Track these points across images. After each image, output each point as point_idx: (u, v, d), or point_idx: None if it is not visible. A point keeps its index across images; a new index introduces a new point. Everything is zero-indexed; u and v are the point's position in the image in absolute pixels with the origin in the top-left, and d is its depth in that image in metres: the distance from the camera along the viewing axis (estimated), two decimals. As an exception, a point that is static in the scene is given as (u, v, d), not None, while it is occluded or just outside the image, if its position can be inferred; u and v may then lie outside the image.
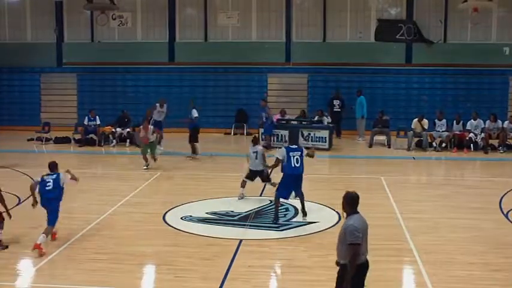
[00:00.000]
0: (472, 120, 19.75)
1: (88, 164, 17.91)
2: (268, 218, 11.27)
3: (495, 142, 19.69)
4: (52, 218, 9.53)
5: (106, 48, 24.86)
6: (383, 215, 11.45)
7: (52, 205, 9.55)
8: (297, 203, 11.85)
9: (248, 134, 23.32)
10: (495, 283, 8.16)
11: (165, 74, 24.79)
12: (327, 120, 21.11)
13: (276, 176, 11.66)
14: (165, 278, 8.40)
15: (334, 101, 22.49)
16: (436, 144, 19.80)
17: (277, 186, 11.47)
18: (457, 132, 19.75)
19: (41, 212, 9.92)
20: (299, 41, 24.10)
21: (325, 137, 19.39)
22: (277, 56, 24.04)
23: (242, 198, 12.61)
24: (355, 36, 23.97)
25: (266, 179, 12.73)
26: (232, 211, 11.73)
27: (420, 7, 23.52)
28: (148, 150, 16.11)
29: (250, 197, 12.70)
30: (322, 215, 11.34)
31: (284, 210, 11.62)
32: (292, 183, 11.00)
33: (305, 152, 11.23)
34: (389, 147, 20.19)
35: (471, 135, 19.52)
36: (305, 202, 11.21)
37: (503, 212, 11.78)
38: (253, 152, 12.57)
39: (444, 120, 20.05)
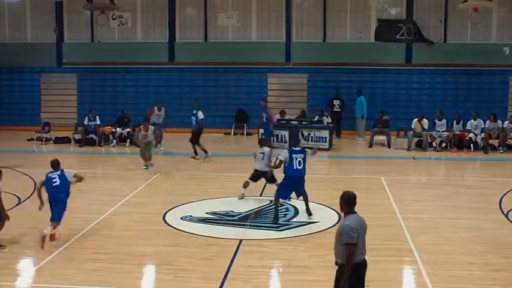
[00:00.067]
0: (472, 120, 19.75)
1: (88, 164, 17.90)
2: (268, 218, 11.27)
3: (495, 142, 19.69)
4: (58, 214, 9.61)
5: (106, 48, 24.86)
6: (383, 215, 11.45)
7: (61, 200, 9.65)
8: (297, 203, 11.88)
9: (248, 134, 23.37)
10: (495, 283, 8.16)
11: (165, 74, 24.79)
12: (327, 120, 21.11)
13: (280, 176, 11.64)
14: (165, 278, 8.40)
15: (334, 101, 22.50)
16: (436, 144, 19.80)
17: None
18: (457, 132, 19.75)
19: (41, 212, 9.93)
20: (299, 41, 24.10)
21: (325, 137, 19.39)
22: (277, 56, 24.04)
23: (242, 198, 12.61)
24: (355, 36, 23.97)
25: (271, 179, 12.62)
26: (232, 211, 11.73)
27: (420, 7, 23.53)
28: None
29: (250, 197, 12.69)
30: (322, 215, 11.34)
31: (284, 210, 11.62)
32: (292, 185, 11.03)
33: (309, 152, 11.26)
34: (389, 147, 20.19)
35: (471, 135, 19.52)
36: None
37: (503, 212, 11.78)
38: (261, 153, 12.52)
39: (444, 120, 20.04)
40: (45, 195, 9.86)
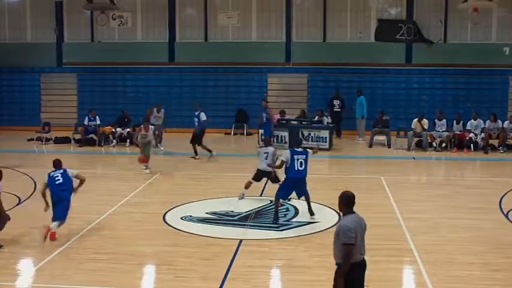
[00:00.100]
0: (472, 120, 19.75)
1: (88, 164, 17.90)
2: (268, 218, 11.27)
3: (495, 142, 19.69)
4: (63, 211, 9.69)
5: (106, 48, 24.86)
6: (383, 215, 11.46)
7: (64, 199, 9.74)
8: (297, 203, 11.88)
9: (248, 134, 23.38)
10: (495, 283, 8.16)
11: (165, 74, 24.80)
12: (327, 120, 21.10)
13: (283, 177, 11.66)
14: (165, 278, 8.40)
15: (334, 101, 22.49)
16: (436, 144, 19.80)
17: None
18: (457, 132, 19.75)
19: (41, 212, 9.93)
20: (299, 41, 24.10)
21: (325, 137, 19.39)
22: (277, 56, 24.04)
23: (242, 198, 12.60)
24: (355, 36, 23.98)
25: (275, 180, 12.53)
26: (232, 211, 11.73)
27: (420, 7, 23.53)
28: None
29: (250, 197, 12.69)
30: (322, 215, 11.33)
31: (284, 210, 11.63)
32: (293, 185, 11.02)
33: (310, 152, 11.24)
34: (389, 147, 20.19)
35: (471, 135, 19.51)
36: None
37: (503, 212, 11.78)
38: (265, 153, 12.48)
39: (444, 120, 20.04)
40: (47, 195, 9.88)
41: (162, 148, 18.97)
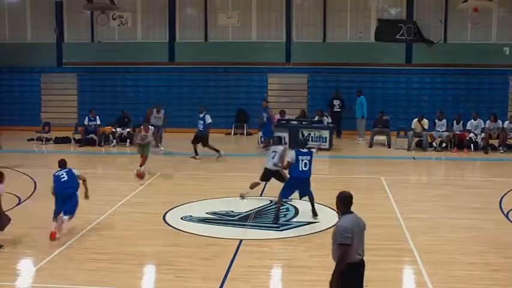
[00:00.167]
0: (472, 120, 19.74)
1: (88, 164, 17.88)
2: (269, 218, 11.27)
3: (495, 142, 19.69)
4: (71, 207, 9.90)
5: (106, 48, 24.86)
6: (383, 215, 11.46)
7: (69, 196, 9.89)
8: (297, 203, 11.88)
9: (248, 134, 23.38)
10: (495, 283, 8.16)
11: (165, 74, 24.80)
12: (327, 120, 21.10)
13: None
14: (165, 278, 8.40)
15: (334, 101, 22.50)
16: (436, 144, 19.80)
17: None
18: (457, 132, 19.74)
19: (42, 212, 9.94)
20: (299, 41, 24.10)
21: (326, 137, 19.40)
22: (277, 56, 24.04)
23: (243, 198, 12.56)
24: (355, 36, 23.97)
25: (282, 179, 12.34)
26: (232, 211, 11.73)
27: (420, 7, 23.52)
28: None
29: (250, 197, 12.67)
30: (322, 215, 11.33)
31: (284, 210, 11.62)
32: (297, 185, 11.05)
33: (314, 152, 11.24)
34: (389, 147, 20.19)
35: (471, 135, 19.51)
36: (307, 202, 11.23)
37: (503, 212, 11.78)
38: (273, 152, 12.42)
39: (444, 120, 20.04)
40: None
41: (162, 148, 18.96)
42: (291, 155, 11.04)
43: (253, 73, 24.33)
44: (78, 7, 23.33)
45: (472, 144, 19.40)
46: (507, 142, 19.61)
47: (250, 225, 10.79)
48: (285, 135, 19.44)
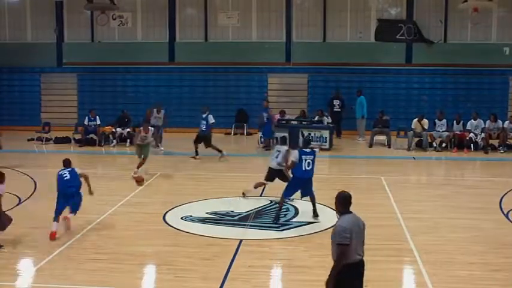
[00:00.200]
0: (472, 120, 19.74)
1: (88, 164, 17.83)
2: (269, 218, 11.27)
3: (495, 142, 19.69)
4: (75, 206, 10.15)
5: (106, 48, 24.87)
6: (383, 215, 11.46)
7: (71, 195, 10.06)
8: (297, 203, 11.88)
9: (248, 134, 23.38)
10: (495, 283, 8.16)
11: (165, 74, 24.80)
12: (327, 120, 21.10)
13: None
14: (165, 278, 8.40)
15: (334, 101, 22.50)
16: (436, 144, 19.80)
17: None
18: (457, 132, 19.75)
19: (42, 212, 9.93)
20: (299, 41, 24.10)
21: (326, 137, 19.40)
22: (277, 56, 24.04)
23: (245, 197, 12.54)
24: (355, 36, 23.97)
25: (286, 179, 12.28)
26: (232, 211, 11.73)
27: (420, 7, 23.53)
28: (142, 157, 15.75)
29: (250, 197, 12.68)
30: (322, 215, 11.32)
31: (284, 210, 11.61)
32: (300, 185, 11.07)
33: (317, 152, 11.25)
34: (389, 147, 20.19)
35: (471, 135, 19.51)
36: (307, 202, 11.23)
37: (503, 212, 11.78)
38: (277, 151, 12.46)
39: (444, 120, 20.04)
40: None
41: (162, 148, 18.96)
42: (294, 155, 11.04)
43: (253, 73, 24.33)
44: (78, 7, 23.34)
45: (472, 144, 19.40)
46: (507, 142, 19.61)
47: (250, 225, 10.79)
48: (285, 135, 19.47)
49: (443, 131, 19.84)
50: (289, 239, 10.13)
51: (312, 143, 18.63)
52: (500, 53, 22.97)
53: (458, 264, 8.84)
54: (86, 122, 20.87)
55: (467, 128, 19.70)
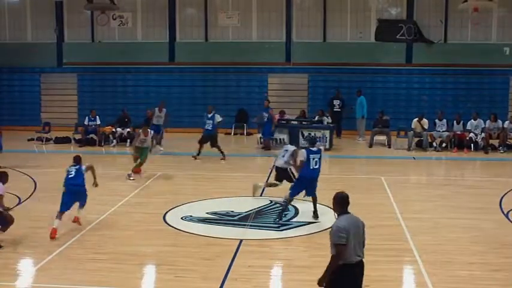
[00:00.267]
0: (472, 120, 19.74)
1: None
2: (269, 218, 11.27)
3: (495, 142, 19.69)
4: (81, 202, 10.47)
5: (106, 48, 24.88)
6: (383, 215, 11.46)
7: (74, 193, 10.26)
8: (297, 203, 11.87)
9: (248, 134, 23.38)
10: (495, 283, 8.15)
11: (165, 74, 24.80)
12: (327, 120, 21.11)
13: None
14: (165, 278, 8.40)
15: (335, 101, 22.50)
16: (436, 144, 19.80)
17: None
18: (458, 132, 19.74)
19: (42, 212, 9.93)
20: (299, 41, 24.10)
21: (326, 137, 19.40)
22: (278, 56, 24.05)
23: (262, 188, 12.67)
24: (355, 36, 23.98)
25: (291, 179, 12.21)
26: (232, 211, 11.73)
27: (420, 7, 23.53)
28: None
29: (250, 197, 12.69)
30: (323, 215, 11.32)
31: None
32: (306, 184, 11.08)
33: (323, 150, 11.28)
34: (389, 147, 20.19)
35: (471, 135, 19.51)
36: (307, 202, 11.23)
37: (503, 212, 11.78)
38: (284, 150, 12.49)
39: (444, 120, 20.04)
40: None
41: (162, 148, 18.95)
42: (303, 154, 11.05)
43: (253, 73, 24.33)
44: (78, 7, 23.35)
45: (472, 144, 19.40)
46: (507, 142, 19.61)
47: (250, 225, 10.79)
48: (285, 135, 19.49)
49: (443, 131, 19.84)
50: (289, 239, 10.13)
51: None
52: (501, 53, 22.97)
53: (458, 264, 8.84)
54: (86, 122, 20.88)
55: (467, 128, 19.70)
